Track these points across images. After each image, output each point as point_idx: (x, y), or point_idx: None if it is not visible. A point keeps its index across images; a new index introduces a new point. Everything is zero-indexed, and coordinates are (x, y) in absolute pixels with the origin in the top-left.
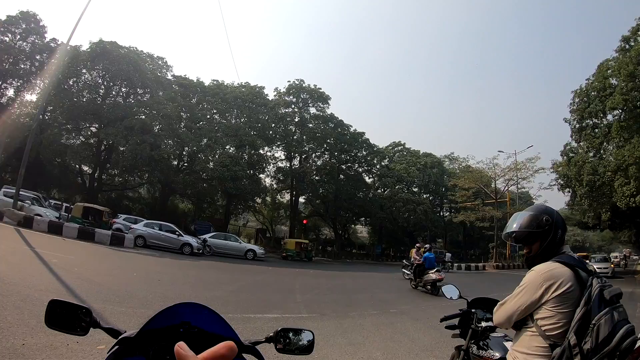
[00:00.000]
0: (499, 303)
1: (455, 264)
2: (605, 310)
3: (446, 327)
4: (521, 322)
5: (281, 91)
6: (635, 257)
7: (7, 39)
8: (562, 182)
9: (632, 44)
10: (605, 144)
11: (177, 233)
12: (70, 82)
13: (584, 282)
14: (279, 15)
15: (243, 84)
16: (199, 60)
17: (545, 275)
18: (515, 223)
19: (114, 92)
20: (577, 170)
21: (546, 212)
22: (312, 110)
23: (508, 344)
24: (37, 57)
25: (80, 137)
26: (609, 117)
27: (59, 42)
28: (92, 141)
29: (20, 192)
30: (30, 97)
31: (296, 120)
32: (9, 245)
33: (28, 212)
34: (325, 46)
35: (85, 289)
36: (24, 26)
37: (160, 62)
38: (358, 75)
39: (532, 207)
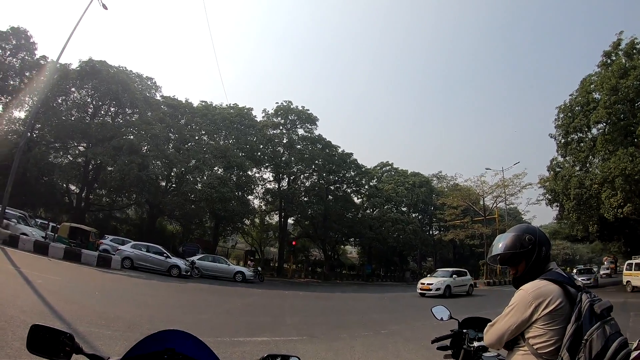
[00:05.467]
0: (488, 324)
1: None
2: (597, 325)
3: (438, 349)
4: (512, 341)
5: (269, 112)
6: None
7: None
8: (549, 197)
9: (614, 58)
10: (590, 157)
11: (164, 255)
12: (59, 100)
13: (573, 298)
14: (268, 37)
15: (231, 105)
16: (187, 80)
17: (534, 294)
18: (498, 245)
19: (102, 112)
20: (564, 184)
21: (528, 231)
22: (300, 131)
23: None
24: (27, 74)
25: (68, 155)
26: (594, 130)
27: (48, 60)
28: (79, 160)
29: (6, 211)
30: (19, 114)
31: (284, 141)
32: None
33: (14, 231)
34: (313, 68)
35: (71, 311)
36: (14, 42)
37: (149, 82)
38: (346, 96)
39: (514, 228)
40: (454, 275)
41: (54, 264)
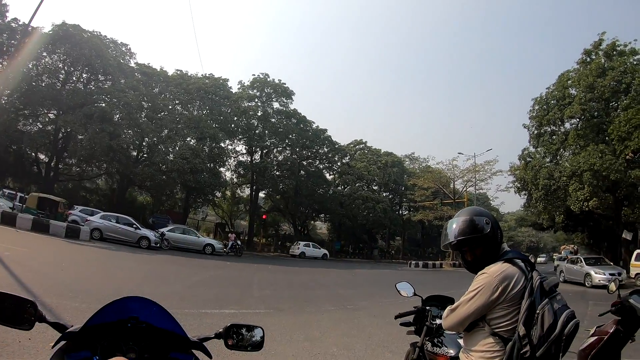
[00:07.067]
0: (448, 308)
1: (413, 262)
2: (546, 300)
3: (401, 324)
4: (472, 323)
5: (245, 84)
6: None
7: None
8: (518, 185)
9: (594, 57)
10: (561, 150)
11: (134, 226)
12: (30, 66)
13: (527, 276)
14: (246, 7)
15: (207, 75)
16: (163, 48)
17: (500, 277)
18: (453, 230)
19: (74, 78)
20: (534, 174)
21: (483, 214)
22: (276, 105)
23: (462, 341)
24: None
25: (38, 123)
26: (567, 125)
27: (20, 22)
28: (49, 128)
29: None
30: None
31: (259, 114)
32: None
33: None
34: (291, 41)
35: (39, 283)
36: None
37: (123, 49)
38: (323, 72)
39: (465, 211)
40: None
41: (21, 235)
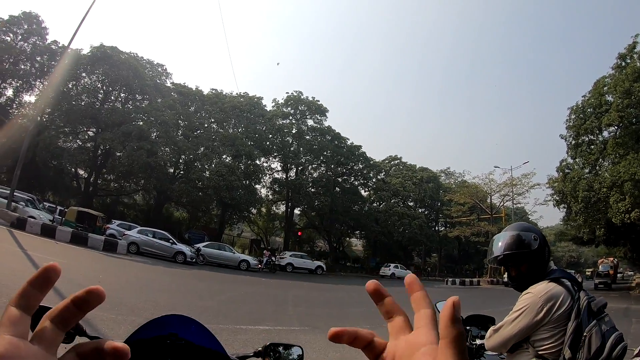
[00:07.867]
0: (491, 328)
1: (450, 279)
2: (594, 322)
3: None
4: (515, 344)
5: (279, 102)
6: (630, 273)
7: (8, 38)
8: (557, 198)
9: (628, 61)
10: (600, 160)
11: (170, 241)
12: (70, 85)
13: (573, 296)
14: (279, 27)
15: (242, 94)
16: (198, 68)
17: (545, 297)
18: (500, 245)
19: (112, 97)
20: (573, 186)
21: (531, 229)
22: (310, 122)
23: None
24: (38, 59)
25: (77, 140)
26: (605, 133)
27: (59, 44)
28: (88, 145)
29: (15, 193)
30: (29, 98)
31: (293, 131)
32: (0, 246)
33: (22, 214)
34: (325, 59)
35: None
36: (25, 27)
37: (160, 69)
38: (357, 89)
39: (513, 227)
40: None
41: (60, 247)
